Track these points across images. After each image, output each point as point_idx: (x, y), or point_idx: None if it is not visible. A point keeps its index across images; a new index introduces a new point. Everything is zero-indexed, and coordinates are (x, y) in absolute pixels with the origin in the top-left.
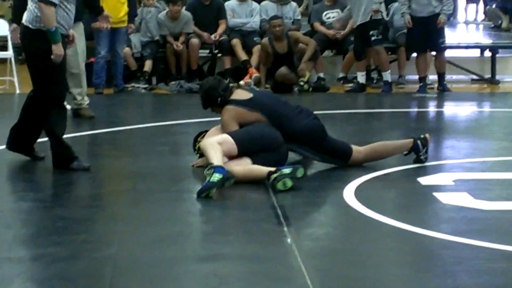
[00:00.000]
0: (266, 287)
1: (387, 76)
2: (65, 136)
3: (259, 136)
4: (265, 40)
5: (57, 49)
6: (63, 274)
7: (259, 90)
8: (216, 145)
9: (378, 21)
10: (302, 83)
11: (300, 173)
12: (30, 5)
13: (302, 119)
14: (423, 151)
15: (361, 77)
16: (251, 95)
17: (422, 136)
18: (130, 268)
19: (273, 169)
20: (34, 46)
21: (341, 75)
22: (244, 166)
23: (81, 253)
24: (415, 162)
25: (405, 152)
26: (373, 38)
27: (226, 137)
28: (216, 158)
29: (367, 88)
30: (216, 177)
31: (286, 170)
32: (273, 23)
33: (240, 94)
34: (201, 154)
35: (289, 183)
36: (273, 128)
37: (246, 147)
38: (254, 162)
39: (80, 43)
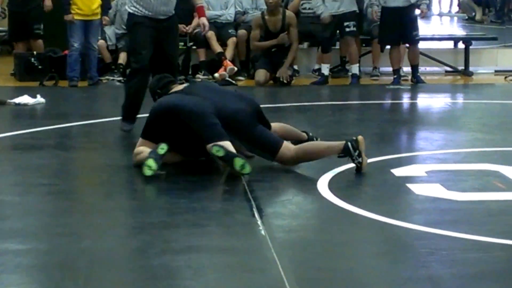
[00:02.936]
0: (240, 278)
1: (355, 69)
2: (36, 129)
3: (160, 114)
4: (257, 15)
5: None
6: (39, 267)
7: (203, 81)
8: (139, 150)
9: (352, 13)
10: None
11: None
12: None
13: (229, 104)
14: (355, 155)
15: (325, 69)
16: (185, 85)
17: (354, 138)
18: (105, 260)
19: None
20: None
21: (316, 66)
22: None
23: (57, 246)
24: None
25: (340, 154)
26: (347, 30)
27: (140, 141)
28: (144, 153)
29: (338, 78)
30: (152, 155)
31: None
32: None
33: (178, 87)
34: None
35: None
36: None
37: (151, 132)
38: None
39: None
